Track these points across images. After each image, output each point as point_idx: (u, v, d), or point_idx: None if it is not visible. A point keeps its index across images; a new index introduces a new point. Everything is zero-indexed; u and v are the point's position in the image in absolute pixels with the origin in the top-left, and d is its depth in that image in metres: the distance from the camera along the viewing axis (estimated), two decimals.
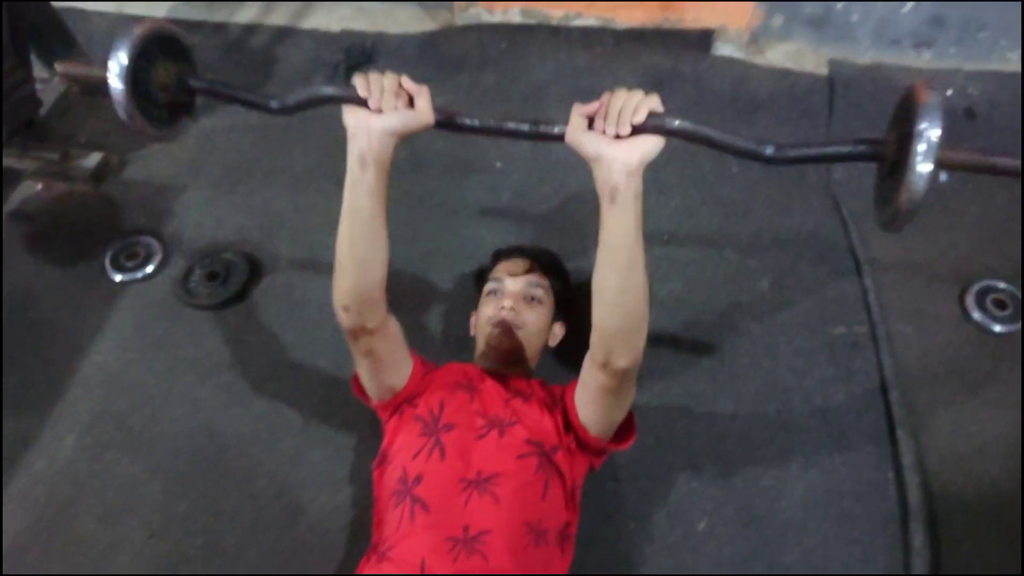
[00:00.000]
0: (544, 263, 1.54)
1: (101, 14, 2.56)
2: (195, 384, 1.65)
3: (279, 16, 2.62)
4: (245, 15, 2.63)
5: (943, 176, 2.03)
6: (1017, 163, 1.05)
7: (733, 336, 1.73)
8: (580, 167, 2.31)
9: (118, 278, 1.85)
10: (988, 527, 1.44)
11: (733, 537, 1.43)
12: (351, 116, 1.08)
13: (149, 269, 1.86)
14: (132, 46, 1.09)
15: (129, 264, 1.86)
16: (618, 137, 0.99)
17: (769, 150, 1.04)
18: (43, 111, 2.13)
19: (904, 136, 0.97)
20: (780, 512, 1.45)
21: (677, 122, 0.99)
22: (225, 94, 1.24)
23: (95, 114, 2.28)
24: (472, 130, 1.12)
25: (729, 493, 1.48)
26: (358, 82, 1.07)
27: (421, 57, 2.44)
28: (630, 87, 0.99)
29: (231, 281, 1.81)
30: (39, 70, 2.04)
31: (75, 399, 1.64)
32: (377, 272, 1.15)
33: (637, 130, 0.98)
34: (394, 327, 1.27)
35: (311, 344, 1.72)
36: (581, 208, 1.97)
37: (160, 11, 2.61)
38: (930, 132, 0.91)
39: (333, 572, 1.38)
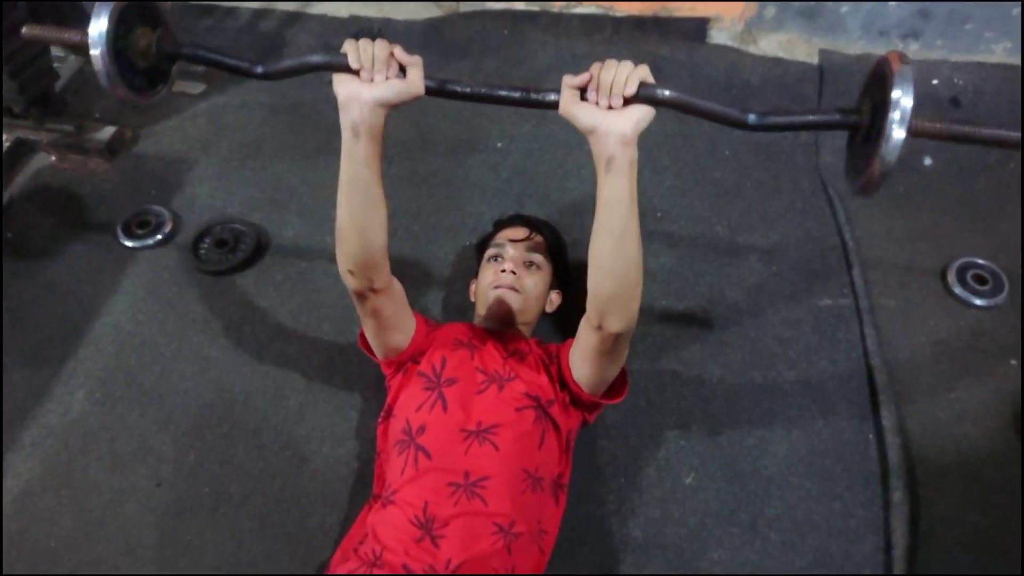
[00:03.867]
0: (543, 232, 1.59)
1: None
2: (205, 344, 1.70)
3: (288, 2, 2.68)
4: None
5: (928, 160, 2.10)
6: (984, 131, 1.05)
7: (722, 307, 1.79)
8: (578, 147, 2.37)
9: (129, 244, 1.90)
10: (965, 486, 1.50)
11: (719, 491, 1.48)
12: (341, 86, 1.07)
13: (160, 236, 1.91)
14: (111, 12, 1.08)
15: (140, 232, 1.92)
16: (610, 107, 1.01)
17: (752, 118, 1.06)
18: (59, 86, 2.20)
19: (878, 105, 1.00)
20: (764, 469, 1.51)
21: (667, 92, 1.01)
22: (209, 60, 1.20)
23: None
24: (464, 96, 1.12)
25: (715, 451, 1.54)
26: (348, 50, 1.05)
27: (426, 43, 2.51)
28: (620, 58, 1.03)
29: (240, 249, 1.87)
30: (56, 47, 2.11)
31: (87, 356, 1.69)
32: (378, 237, 1.16)
33: (628, 100, 1.01)
34: (398, 288, 1.32)
35: (316, 309, 1.77)
36: (578, 186, 2.04)
37: None
38: (904, 101, 0.94)
39: (337, 517, 1.44)
